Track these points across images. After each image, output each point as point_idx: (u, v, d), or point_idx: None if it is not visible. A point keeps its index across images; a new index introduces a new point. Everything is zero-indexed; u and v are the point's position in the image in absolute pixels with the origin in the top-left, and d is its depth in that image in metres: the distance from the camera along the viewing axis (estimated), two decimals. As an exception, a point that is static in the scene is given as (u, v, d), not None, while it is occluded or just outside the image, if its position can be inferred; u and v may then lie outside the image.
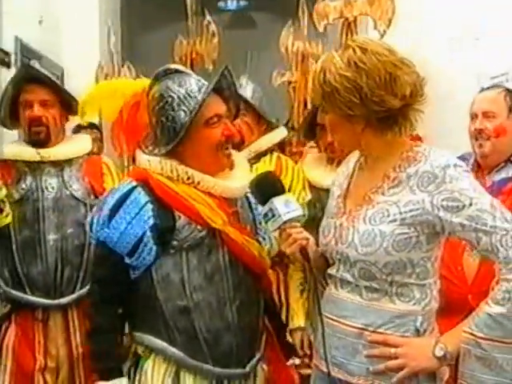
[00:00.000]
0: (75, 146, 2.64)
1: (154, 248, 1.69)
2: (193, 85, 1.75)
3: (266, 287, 1.90)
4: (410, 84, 1.51)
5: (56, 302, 2.46)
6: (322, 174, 2.44)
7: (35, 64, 2.70)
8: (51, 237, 2.45)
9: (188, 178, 1.73)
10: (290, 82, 4.05)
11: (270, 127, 2.59)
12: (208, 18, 4.09)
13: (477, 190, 1.50)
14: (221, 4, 7.41)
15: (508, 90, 2.36)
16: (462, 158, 2.47)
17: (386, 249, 1.52)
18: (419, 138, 3.93)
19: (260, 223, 1.90)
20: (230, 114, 1.86)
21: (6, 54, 3.35)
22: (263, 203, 1.66)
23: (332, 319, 1.64)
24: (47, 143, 2.53)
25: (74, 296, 2.47)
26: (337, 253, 1.62)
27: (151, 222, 1.69)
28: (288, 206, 1.63)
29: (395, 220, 1.52)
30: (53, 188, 2.51)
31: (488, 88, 2.44)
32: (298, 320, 2.37)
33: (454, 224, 1.48)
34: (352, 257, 1.57)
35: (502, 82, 2.80)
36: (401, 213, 1.52)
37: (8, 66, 3.37)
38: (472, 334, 1.48)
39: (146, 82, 1.93)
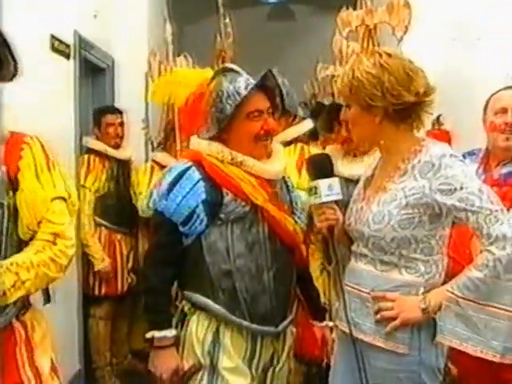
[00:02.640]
0: None
1: (205, 219, 1.97)
2: (241, 82, 2.03)
3: (298, 259, 2.17)
4: (422, 85, 1.83)
5: None
6: (340, 164, 2.71)
7: None
8: None
9: (232, 159, 2.01)
10: (333, 76, 4.24)
11: (298, 119, 2.85)
12: (226, 20, 4.29)
13: (468, 176, 1.78)
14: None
15: None
16: (472, 152, 2.68)
17: (392, 226, 1.81)
18: (447, 133, 4.19)
19: (296, 203, 2.18)
20: (275, 110, 2.13)
21: (67, 46, 3.56)
22: (312, 179, 1.93)
23: (350, 286, 1.92)
24: None
25: None
26: (356, 231, 1.91)
27: (203, 196, 1.97)
28: (330, 190, 1.91)
29: (401, 203, 1.81)
30: None
31: (510, 87, 2.64)
32: None
33: (448, 205, 1.76)
34: (366, 233, 1.86)
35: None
36: (406, 197, 1.81)
37: (68, 57, 3.61)
38: (453, 294, 1.76)
39: (210, 74, 2.21)
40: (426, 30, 3.76)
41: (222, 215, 1.98)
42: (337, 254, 2.00)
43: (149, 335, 1.99)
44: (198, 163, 2.02)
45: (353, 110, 1.88)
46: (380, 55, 1.84)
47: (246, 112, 2.02)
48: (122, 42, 4.55)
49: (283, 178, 2.18)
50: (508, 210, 2.40)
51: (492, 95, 2.62)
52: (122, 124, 4.06)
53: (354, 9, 3.44)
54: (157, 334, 1.98)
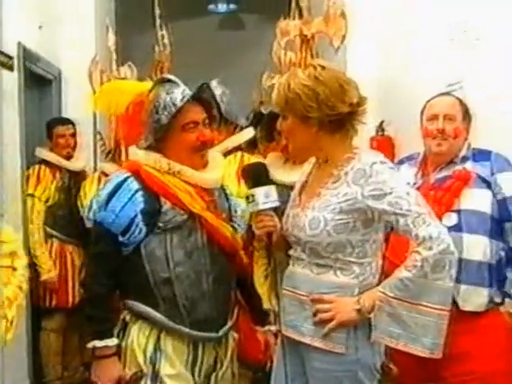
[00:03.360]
0: None
1: (144, 228, 2.01)
2: (177, 94, 2.07)
3: (238, 265, 2.22)
4: (355, 95, 1.91)
5: None
6: (282, 171, 2.78)
7: None
8: None
9: (169, 169, 2.05)
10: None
11: (239, 128, 2.91)
12: (163, 31, 4.35)
13: (396, 181, 1.87)
14: (211, 7, 7.68)
15: (459, 99, 2.70)
16: (411, 157, 2.80)
17: (328, 231, 1.88)
18: (390, 138, 4.29)
19: (236, 211, 2.23)
20: (212, 121, 2.19)
21: (10, 58, 3.53)
22: (249, 188, 1.99)
23: (289, 290, 1.98)
24: None
25: None
26: (293, 236, 1.97)
27: (141, 206, 2.01)
28: (267, 197, 1.96)
29: (335, 208, 1.88)
30: None
31: (443, 94, 2.76)
32: (263, 303, 2.64)
33: (379, 210, 1.84)
34: (302, 238, 1.92)
35: (456, 89, 3.12)
36: (339, 202, 1.88)
37: (11, 69, 3.58)
38: (385, 294, 1.85)
39: (150, 85, 2.24)
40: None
41: (160, 224, 2.02)
42: (276, 259, 2.05)
43: (90, 345, 2.01)
44: (136, 173, 2.06)
45: (289, 122, 1.94)
46: (314, 68, 1.91)
47: (181, 123, 2.07)
48: (68, 54, 4.55)
49: (222, 186, 2.23)
50: (444, 213, 2.53)
51: (427, 102, 2.72)
52: (73, 135, 4.12)
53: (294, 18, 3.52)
54: (98, 343, 2.00)
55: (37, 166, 3.95)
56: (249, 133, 3.00)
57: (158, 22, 4.22)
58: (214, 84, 2.97)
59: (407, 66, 3.80)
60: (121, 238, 2.01)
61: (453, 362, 2.46)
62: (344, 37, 3.32)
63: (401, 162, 2.83)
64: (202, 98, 2.13)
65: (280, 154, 2.90)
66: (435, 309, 1.83)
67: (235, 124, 2.96)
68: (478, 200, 2.49)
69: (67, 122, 4.15)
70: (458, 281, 2.41)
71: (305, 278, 1.94)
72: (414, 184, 2.63)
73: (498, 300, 2.48)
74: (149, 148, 2.09)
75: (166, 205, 2.03)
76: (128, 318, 2.08)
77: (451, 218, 2.49)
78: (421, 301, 1.83)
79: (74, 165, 4.10)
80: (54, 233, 3.94)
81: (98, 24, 4.83)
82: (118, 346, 2.04)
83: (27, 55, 3.86)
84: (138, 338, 2.04)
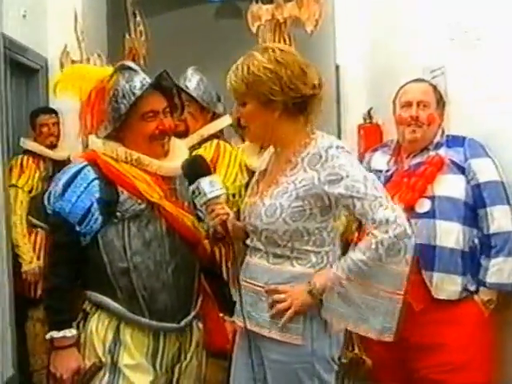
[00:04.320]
0: None
1: (100, 218, 1.98)
2: (136, 82, 2.03)
3: (202, 254, 2.18)
4: (315, 78, 1.87)
5: None
6: (256, 159, 2.73)
7: None
8: None
9: (126, 158, 2.01)
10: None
11: (216, 115, 2.87)
12: (138, 18, 4.30)
13: (353, 165, 1.83)
14: (207, -6, 7.59)
15: (432, 85, 2.65)
16: (384, 144, 2.76)
17: (284, 219, 1.83)
18: (378, 126, 4.24)
19: None
20: (174, 110, 2.15)
21: None
22: (191, 182, 1.95)
23: (246, 281, 1.95)
24: None
25: None
26: (250, 225, 1.93)
27: (97, 195, 1.98)
28: (212, 186, 1.93)
29: (291, 195, 1.83)
30: None
31: (417, 80, 2.70)
32: None
33: (336, 194, 1.80)
34: (259, 226, 1.87)
35: (438, 74, 3.06)
36: (296, 189, 1.83)
37: None
38: (335, 275, 1.82)
39: (111, 70, 2.18)
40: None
41: (118, 213, 1.99)
42: (234, 249, 2.02)
43: (48, 336, 1.99)
44: (94, 162, 2.03)
45: (250, 107, 1.89)
46: (273, 51, 1.86)
47: (140, 112, 2.03)
48: (54, 43, 4.50)
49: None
50: (417, 199, 2.49)
51: (401, 87, 2.67)
52: (56, 124, 4.10)
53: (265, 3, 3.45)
54: (55, 334, 1.98)
55: (20, 157, 3.94)
56: (225, 120, 2.94)
57: (129, 9, 4.16)
58: (189, 72, 2.93)
59: (397, 53, 3.73)
60: (78, 228, 1.98)
61: (428, 353, 2.44)
62: (317, 21, 3.25)
63: (375, 150, 2.79)
64: (162, 86, 2.09)
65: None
66: (387, 292, 1.82)
67: (212, 112, 2.91)
68: (451, 186, 2.46)
69: (50, 111, 4.14)
70: (431, 268, 2.41)
71: (261, 269, 1.91)
72: (387, 171, 2.60)
73: (472, 288, 2.45)
74: (108, 137, 2.06)
75: (124, 194, 2.00)
76: (88, 308, 2.06)
77: (424, 205, 2.45)
78: (373, 283, 1.81)
79: (59, 154, 4.08)
80: (39, 223, 3.91)
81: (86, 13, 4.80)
82: (78, 336, 2.02)
83: (11, 45, 3.82)
84: (97, 328, 2.02)
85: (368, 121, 4.21)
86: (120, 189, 2.00)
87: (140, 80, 2.05)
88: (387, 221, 1.75)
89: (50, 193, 2.07)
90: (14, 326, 3.69)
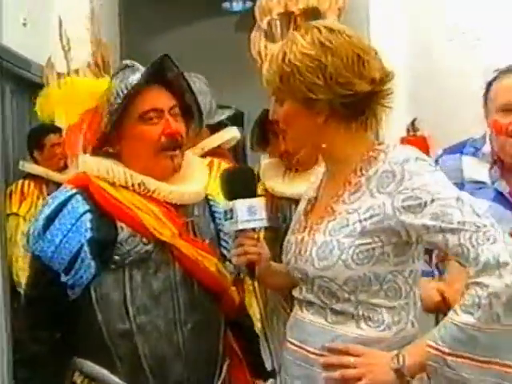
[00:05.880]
0: None
1: (93, 264, 1.50)
2: (133, 79, 1.56)
3: (228, 307, 1.69)
4: (378, 69, 1.37)
5: None
6: (281, 182, 2.26)
7: None
8: None
9: (126, 181, 1.53)
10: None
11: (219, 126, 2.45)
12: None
13: (440, 183, 1.31)
14: (226, 5, 7.26)
15: None
16: (474, 145, 2.11)
17: (344, 262, 1.33)
18: (424, 139, 3.74)
19: (225, 233, 1.70)
20: (188, 116, 1.67)
21: None
22: (229, 199, 1.46)
23: (294, 344, 1.44)
24: None
25: None
26: (297, 271, 1.43)
27: (89, 234, 1.50)
28: (250, 214, 1.44)
29: (354, 229, 1.34)
30: None
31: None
32: None
33: (418, 227, 1.29)
34: (310, 273, 1.38)
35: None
36: (360, 220, 1.33)
37: None
38: (437, 349, 1.26)
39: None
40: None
41: (116, 257, 1.51)
42: (263, 301, 1.52)
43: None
44: (84, 189, 1.55)
45: (286, 107, 1.41)
46: (319, 30, 1.37)
47: (138, 112, 1.55)
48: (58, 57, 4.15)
49: (206, 197, 1.72)
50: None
51: (493, 83, 1.97)
52: (64, 143, 3.70)
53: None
54: None
55: (20, 182, 3.65)
56: (228, 132, 2.50)
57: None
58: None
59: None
60: (63, 278, 1.51)
61: None
62: (340, 10, 2.74)
63: (451, 152, 2.09)
64: (169, 80, 1.61)
65: (278, 160, 2.36)
66: None
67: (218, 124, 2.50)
68: None
69: (57, 129, 3.74)
70: None
71: (315, 329, 1.40)
72: (493, 183, 1.99)
73: None
74: (101, 154, 1.59)
75: (124, 231, 1.52)
76: (79, 381, 1.57)
77: None
78: (494, 358, 1.24)
79: (66, 177, 3.68)
80: None
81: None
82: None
83: (19, 62, 3.65)
84: None
85: (412, 133, 3.72)
86: (119, 224, 1.52)
87: (137, 75, 1.58)
88: (498, 262, 1.21)
89: (29, 229, 1.60)
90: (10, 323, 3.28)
